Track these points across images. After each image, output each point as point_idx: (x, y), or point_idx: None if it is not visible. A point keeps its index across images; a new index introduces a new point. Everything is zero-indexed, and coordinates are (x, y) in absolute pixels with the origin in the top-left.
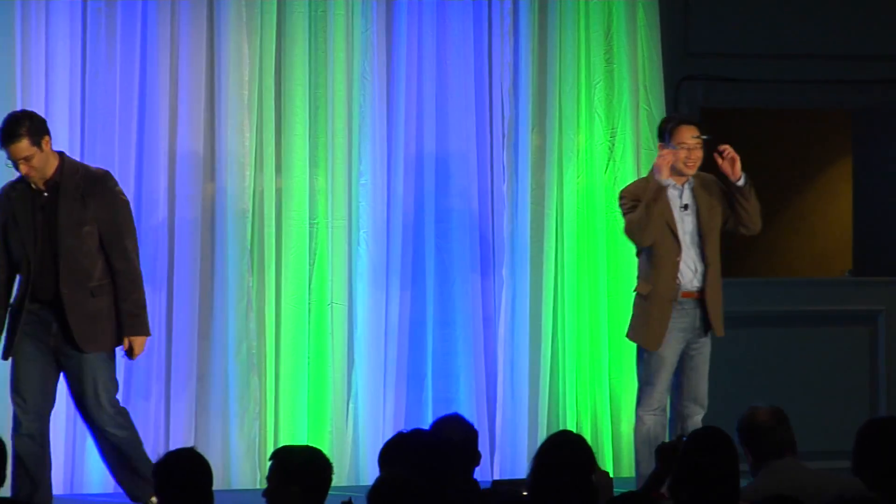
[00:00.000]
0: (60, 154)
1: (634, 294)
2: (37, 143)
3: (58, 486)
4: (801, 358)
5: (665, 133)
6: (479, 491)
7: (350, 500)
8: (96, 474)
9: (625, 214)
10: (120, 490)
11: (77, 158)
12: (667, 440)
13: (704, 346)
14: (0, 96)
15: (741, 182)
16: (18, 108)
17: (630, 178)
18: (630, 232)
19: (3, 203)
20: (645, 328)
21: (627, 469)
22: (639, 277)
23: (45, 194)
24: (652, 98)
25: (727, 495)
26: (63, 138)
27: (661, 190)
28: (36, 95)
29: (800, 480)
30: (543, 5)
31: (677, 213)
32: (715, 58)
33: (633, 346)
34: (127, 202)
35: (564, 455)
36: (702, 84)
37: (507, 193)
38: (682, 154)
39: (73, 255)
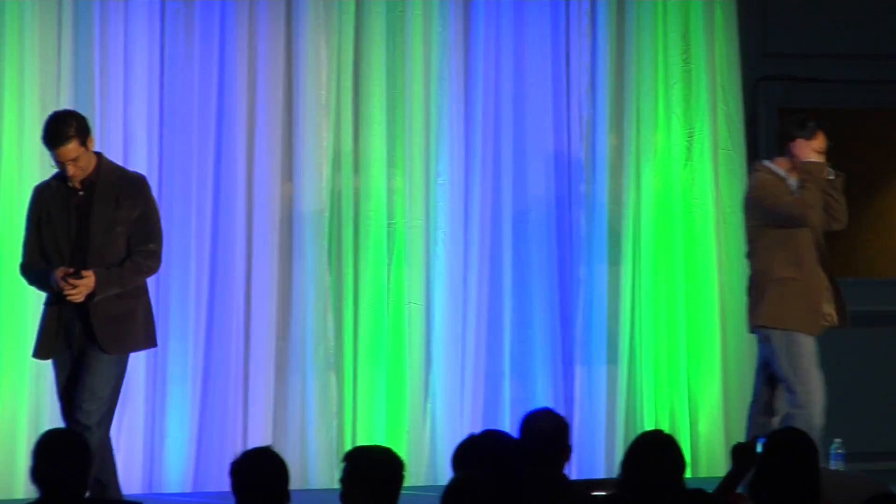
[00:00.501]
0: (98, 154)
1: (774, 282)
2: (83, 143)
3: (136, 485)
4: (880, 358)
5: (803, 129)
6: (568, 484)
7: None
8: (175, 473)
9: (781, 202)
10: (201, 490)
11: (156, 159)
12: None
13: None
14: (79, 97)
15: (832, 175)
16: (97, 108)
17: (707, 178)
18: (801, 212)
19: (39, 199)
20: (803, 312)
21: (705, 469)
22: (777, 265)
23: (81, 193)
24: (730, 98)
25: (808, 496)
26: (141, 139)
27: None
28: (114, 96)
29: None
30: (621, 5)
31: None
32: (793, 58)
33: (712, 345)
34: (158, 210)
35: (655, 456)
36: (780, 84)
37: (585, 193)
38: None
39: (103, 255)
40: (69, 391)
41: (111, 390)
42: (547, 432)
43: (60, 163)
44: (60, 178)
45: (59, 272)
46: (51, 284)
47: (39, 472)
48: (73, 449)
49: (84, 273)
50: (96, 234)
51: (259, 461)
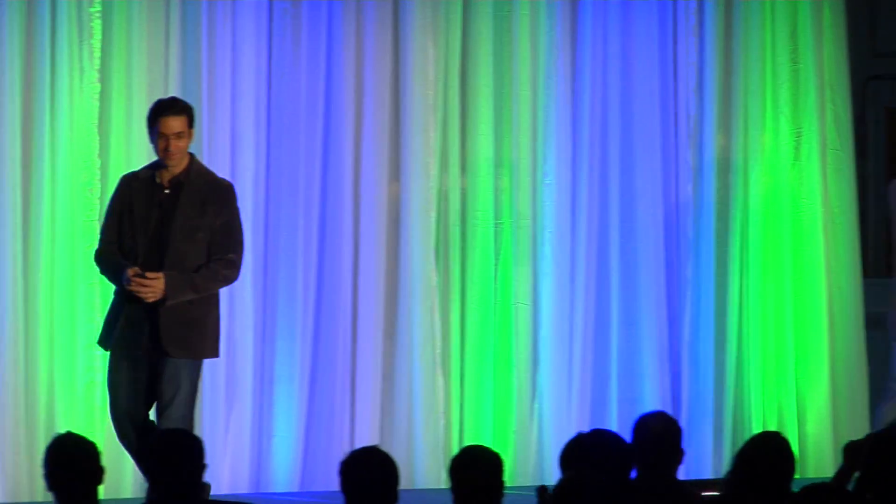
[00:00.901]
0: (191, 154)
1: None
2: (191, 125)
3: (243, 484)
4: None
5: None
6: (680, 487)
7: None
8: (282, 473)
9: None
10: (309, 489)
11: (263, 160)
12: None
13: None
14: (186, 97)
15: None
16: (204, 108)
17: (816, 179)
18: None
19: (125, 189)
20: None
21: (813, 470)
22: None
23: (167, 191)
24: (838, 98)
25: None
26: (249, 139)
27: None
28: (221, 96)
29: None
30: (728, 5)
31: None
32: None
33: (820, 346)
34: (241, 220)
35: (765, 458)
36: (888, 83)
37: (692, 193)
38: None
39: (181, 258)
40: (127, 390)
41: (191, 398)
42: (659, 435)
43: (163, 135)
44: (149, 172)
45: (130, 271)
46: (121, 280)
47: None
48: (186, 449)
49: (153, 276)
50: (176, 237)
51: (369, 460)
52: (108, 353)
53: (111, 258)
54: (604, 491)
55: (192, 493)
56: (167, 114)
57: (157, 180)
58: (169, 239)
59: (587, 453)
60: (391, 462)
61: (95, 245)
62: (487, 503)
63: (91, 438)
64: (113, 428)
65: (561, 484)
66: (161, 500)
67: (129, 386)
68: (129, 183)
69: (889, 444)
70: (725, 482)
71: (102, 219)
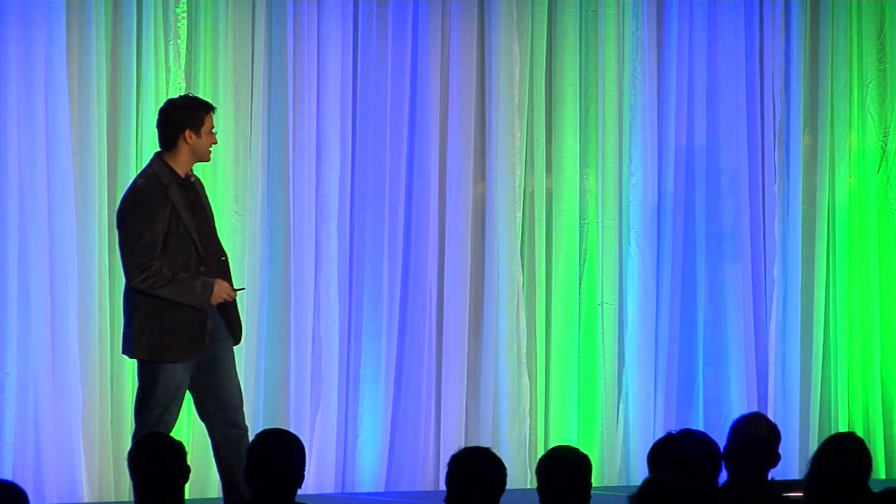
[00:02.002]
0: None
1: None
2: None
3: (329, 484)
4: None
5: None
6: (776, 491)
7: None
8: (368, 473)
9: None
10: (394, 490)
11: (348, 159)
12: None
13: None
14: (272, 98)
15: None
16: (290, 109)
17: None
18: None
19: (163, 202)
20: None
21: None
22: None
23: (188, 191)
24: None
25: None
26: (335, 139)
27: None
28: (308, 96)
29: None
30: (815, 5)
31: None
32: None
33: None
34: None
35: (843, 458)
36: None
37: (778, 193)
38: None
39: (225, 255)
40: (199, 391)
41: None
42: (758, 438)
43: (213, 133)
44: (169, 176)
45: (225, 286)
46: (207, 294)
47: (252, 472)
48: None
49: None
50: (217, 236)
51: (479, 460)
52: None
53: (178, 275)
54: (688, 493)
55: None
56: (213, 111)
57: (182, 177)
58: (213, 239)
59: (676, 454)
60: (499, 462)
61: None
62: None
63: (177, 438)
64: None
65: (644, 485)
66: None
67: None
68: (165, 193)
69: None
70: (805, 484)
71: (137, 238)
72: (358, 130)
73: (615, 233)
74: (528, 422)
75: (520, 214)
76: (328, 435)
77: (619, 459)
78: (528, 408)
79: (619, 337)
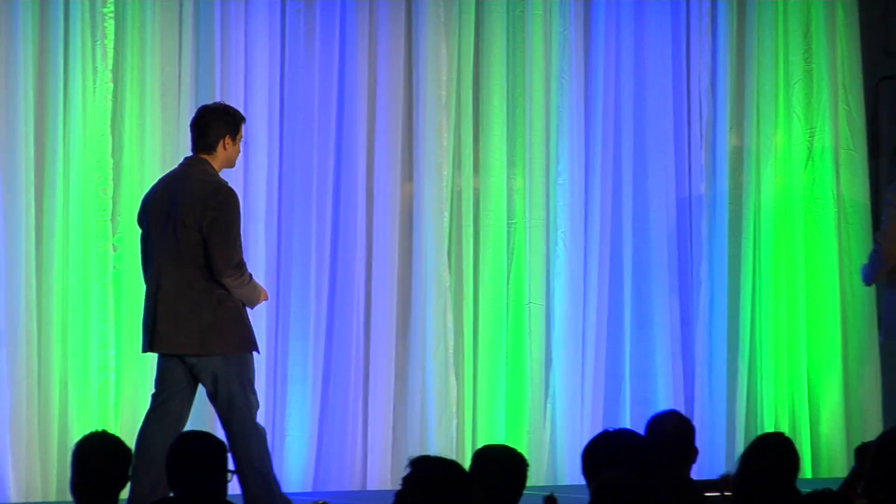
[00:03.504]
0: None
1: None
2: None
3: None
4: None
5: None
6: (694, 487)
7: (553, 497)
8: (295, 473)
9: None
10: (322, 490)
11: (276, 159)
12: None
13: None
14: (199, 97)
15: None
16: None
17: (829, 179)
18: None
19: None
20: None
21: (826, 470)
22: None
23: None
24: (851, 98)
25: None
26: (262, 139)
27: None
28: (235, 96)
29: None
30: (742, 5)
31: None
32: None
33: (833, 346)
34: None
35: (771, 458)
36: None
37: (705, 193)
38: None
39: None
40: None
41: None
42: (673, 434)
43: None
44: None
45: (264, 290)
46: (258, 294)
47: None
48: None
49: None
50: None
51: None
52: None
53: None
54: (643, 492)
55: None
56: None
57: None
58: None
59: (612, 452)
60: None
61: (241, 260)
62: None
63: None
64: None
65: (602, 483)
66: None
67: None
68: None
69: (891, 443)
70: (733, 483)
71: (236, 234)
72: (285, 130)
73: (542, 233)
74: (455, 421)
75: (447, 214)
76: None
77: (546, 459)
78: (455, 407)
79: (546, 337)
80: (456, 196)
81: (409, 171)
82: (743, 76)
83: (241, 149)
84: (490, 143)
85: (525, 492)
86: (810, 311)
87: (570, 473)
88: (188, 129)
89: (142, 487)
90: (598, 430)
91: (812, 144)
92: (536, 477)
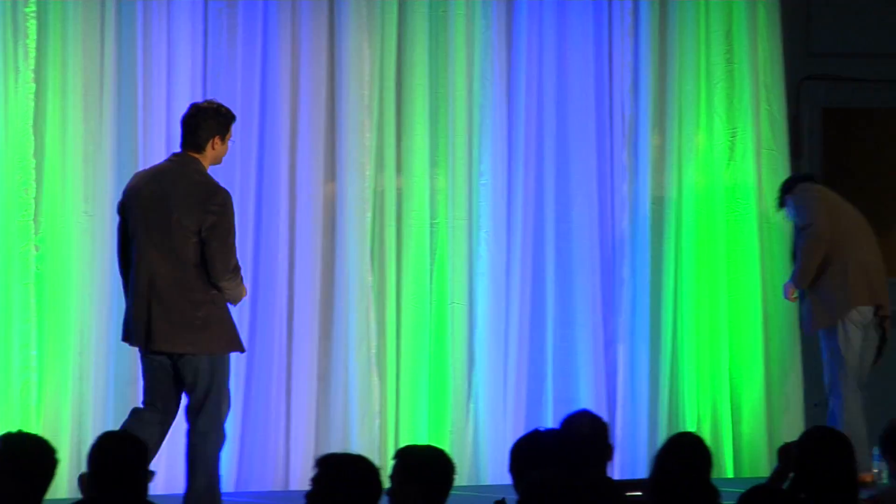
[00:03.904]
0: None
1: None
2: None
3: (179, 484)
4: None
5: None
6: (612, 485)
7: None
8: None
9: None
10: (244, 490)
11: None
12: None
13: None
14: (122, 97)
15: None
16: (140, 108)
17: (750, 178)
18: None
19: None
20: None
21: (748, 470)
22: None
23: None
24: (773, 98)
25: (845, 493)
26: None
27: None
28: (157, 96)
29: None
30: (664, 5)
31: None
32: (837, 57)
33: (755, 345)
34: None
35: (683, 457)
36: (823, 83)
37: (627, 193)
38: None
39: None
40: None
41: None
42: (586, 434)
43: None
44: None
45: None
46: (242, 293)
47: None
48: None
49: None
50: None
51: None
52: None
53: None
54: (577, 491)
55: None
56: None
57: None
58: None
59: (542, 450)
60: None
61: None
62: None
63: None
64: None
65: (533, 483)
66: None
67: None
68: None
69: (818, 443)
70: (647, 484)
71: (233, 236)
72: None
73: (465, 233)
74: (377, 421)
75: (370, 214)
76: (179, 435)
77: (469, 459)
78: (378, 407)
79: (469, 337)
80: (378, 196)
81: (331, 171)
82: (665, 76)
83: (230, 147)
84: (413, 143)
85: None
86: (732, 311)
87: (493, 473)
88: (111, 129)
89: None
90: (521, 429)
91: (734, 144)
92: (459, 477)
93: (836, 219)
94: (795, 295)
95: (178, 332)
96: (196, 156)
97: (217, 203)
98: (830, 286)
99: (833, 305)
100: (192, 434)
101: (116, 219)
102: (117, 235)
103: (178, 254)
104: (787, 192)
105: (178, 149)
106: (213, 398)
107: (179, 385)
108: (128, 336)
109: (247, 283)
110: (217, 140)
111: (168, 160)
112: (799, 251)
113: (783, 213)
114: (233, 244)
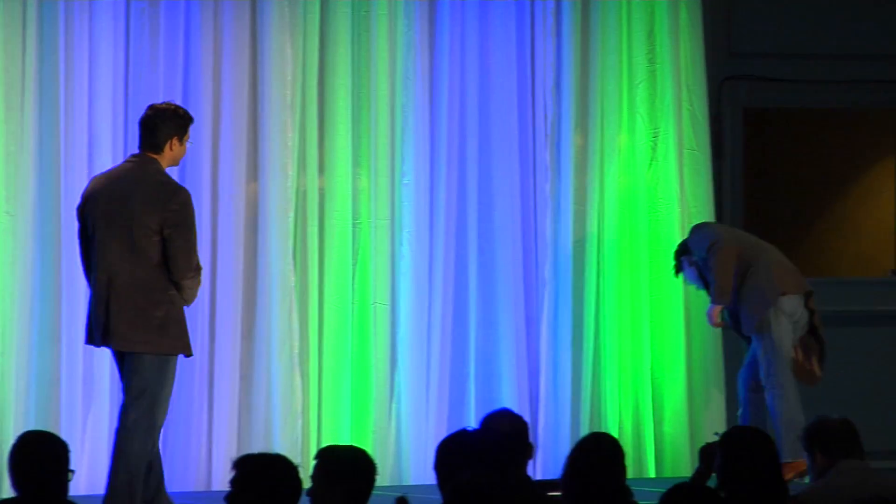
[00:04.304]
0: None
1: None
2: None
3: (101, 485)
4: (845, 358)
5: None
6: (532, 484)
7: (405, 498)
8: None
9: None
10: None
11: (120, 159)
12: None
13: None
14: (43, 97)
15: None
16: (62, 108)
17: (672, 178)
18: None
19: None
20: None
21: (670, 470)
22: None
23: None
24: (694, 98)
25: (768, 490)
26: (106, 139)
27: None
28: (79, 95)
29: (871, 482)
30: (586, 5)
31: None
32: (758, 57)
33: (677, 346)
34: None
35: (595, 457)
36: (745, 84)
37: (550, 193)
38: None
39: None
40: None
41: None
42: (506, 433)
43: (189, 143)
44: None
45: None
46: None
47: (16, 474)
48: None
49: None
50: None
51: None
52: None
53: None
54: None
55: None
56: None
57: None
58: None
59: (469, 450)
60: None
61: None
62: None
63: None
64: None
65: (460, 484)
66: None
67: None
68: None
69: (739, 443)
70: (562, 485)
71: (194, 236)
72: (130, 130)
73: (388, 233)
74: (300, 421)
75: (292, 214)
76: (100, 435)
77: (392, 459)
78: (300, 407)
79: (391, 337)
80: (301, 196)
81: (253, 171)
82: (587, 76)
83: (187, 148)
84: (335, 143)
85: (373, 492)
86: (654, 311)
87: (416, 473)
88: (33, 128)
89: (115, 486)
90: (444, 429)
91: (656, 144)
92: (382, 477)
93: (738, 235)
94: (721, 319)
95: (135, 330)
96: (154, 156)
97: (178, 202)
98: (756, 284)
99: (764, 293)
100: (119, 428)
101: (38, 219)
102: (78, 240)
103: (139, 253)
104: (682, 254)
105: (97, 148)
106: (146, 398)
107: None
108: (90, 337)
109: None
110: (175, 141)
111: (126, 161)
112: (710, 273)
113: (682, 277)
114: (194, 242)
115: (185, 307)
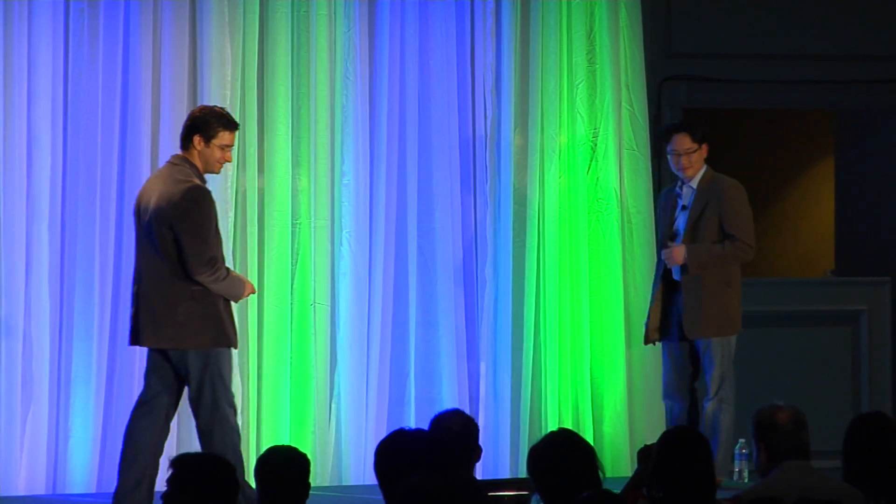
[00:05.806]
0: None
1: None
2: None
3: (40, 485)
4: (783, 358)
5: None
6: (478, 485)
7: None
8: (79, 474)
9: None
10: (106, 491)
11: (59, 159)
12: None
13: None
14: None
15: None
16: (1, 108)
17: (612, 178)
18: None
19: (212, 199)
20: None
21: (610, 470)
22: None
23: None
24: (634, 98)
25: (701, 492)
26: (45, 139)
27: None
28: (18, 96)
29: (812, 484)
30: (525, 6)
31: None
32: (697, 58)
33: (617, 345)
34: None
35: (569, 453)
36: (684, 84)
37: (490, 193)
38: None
39: None
40: None
41: None
42: (456, 433)
43: (225, 147)
44: (199, 175)
45: (251, 284)
46: (240, 289)
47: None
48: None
49: None
50: None
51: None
52: None
53: (230, 270)
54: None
55: None
56: (232, 129)
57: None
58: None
59: (406, 450)
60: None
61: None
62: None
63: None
64: None
65: (409, 487)
66: None
67: None
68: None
69: (676, 444)
70: (531, 482)
71: (206, 232)
72: (69, 131)
73: (327, 233)
74: (240, 421)
75: (231, 214)
76: (39, 435)
77: (332, 459)
78: (240, 407)
79: (331, 337)
80: (240, 196)
81: None
82: (527, 76)
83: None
84: (275, 143)
85: (312, 492)
86: (594, 311)
87: (356, 473)
88: None
89: (126, 482)
90: (383, 429)
91: (595, 144)
92: (322, 477)
93: None
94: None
95: (160, 327)
96: (185, 155)
97: (185, 197)
98: (734, 300)
99: (738, 317)
100: (198, 432)
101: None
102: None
103: (158, 252)
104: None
105: (36, 148)
106: (205, 394)
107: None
108: (132, 337)
109: (108, 285)
110: (199, 139)
111: (166, 163)
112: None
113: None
114: (206, 237)
115: (232, 303)
